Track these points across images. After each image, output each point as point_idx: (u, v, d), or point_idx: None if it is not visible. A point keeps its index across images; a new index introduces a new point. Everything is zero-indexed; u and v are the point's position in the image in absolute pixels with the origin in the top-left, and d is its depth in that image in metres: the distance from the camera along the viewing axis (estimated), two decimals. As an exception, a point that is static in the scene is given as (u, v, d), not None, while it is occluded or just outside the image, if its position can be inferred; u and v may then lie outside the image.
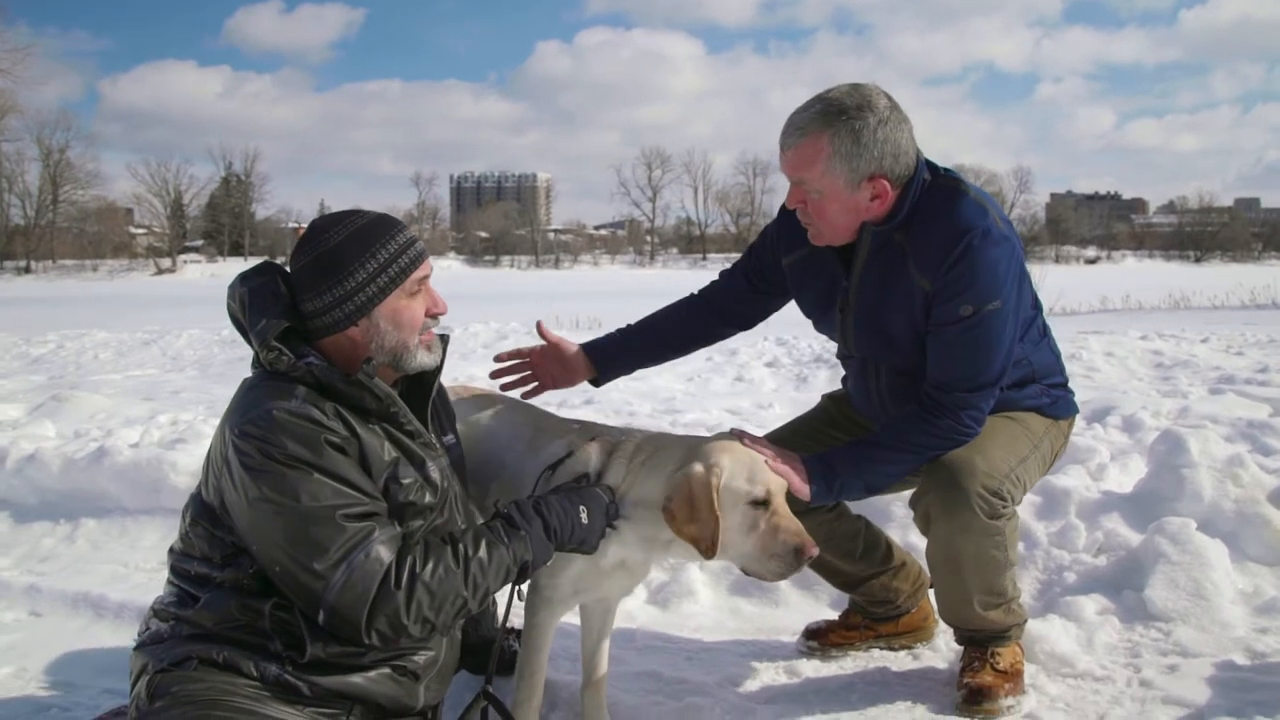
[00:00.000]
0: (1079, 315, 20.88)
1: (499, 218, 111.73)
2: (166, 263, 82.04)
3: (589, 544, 2.63)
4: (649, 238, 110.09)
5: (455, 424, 2.86)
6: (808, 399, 7.40)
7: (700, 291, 3.56)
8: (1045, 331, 3.28)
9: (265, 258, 2.72)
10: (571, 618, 3.17)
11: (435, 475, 2.54)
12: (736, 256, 3.57)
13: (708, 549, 2.56)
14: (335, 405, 2.38)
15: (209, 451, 2.48)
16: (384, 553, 2.29)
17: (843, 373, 3.53)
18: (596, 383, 3.48)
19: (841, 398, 3.56)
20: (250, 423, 2.31)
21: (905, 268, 2.94)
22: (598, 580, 2.81)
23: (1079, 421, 5.68)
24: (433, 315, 2.58)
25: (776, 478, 2.71)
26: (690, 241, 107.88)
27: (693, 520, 2.57)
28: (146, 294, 44.21)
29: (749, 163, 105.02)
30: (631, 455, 2.78)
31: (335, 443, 2.32)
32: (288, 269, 2.56)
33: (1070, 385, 3.37)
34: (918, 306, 2.94)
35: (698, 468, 2.61)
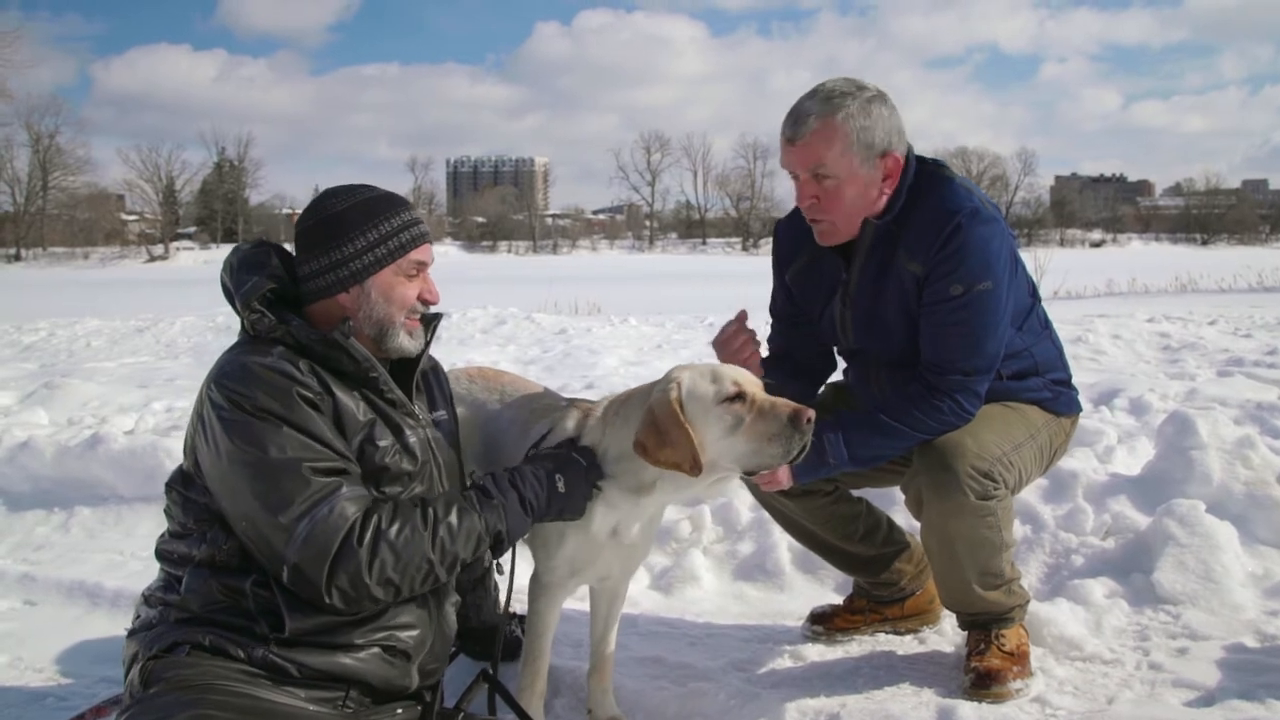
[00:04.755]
0: (1085, 299, 20.85)
1: (496, 202, 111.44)
2: (159, 250, 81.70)
3: (570, 511, 2.62)
4: (648, 222, 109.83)
5: (452, 402, 2.87)
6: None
7: (773, 353, 3.49)
8: (1047, 324, 3.31)
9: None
10: (577, 603, 3.17)
11: (414, 444, 2.55)
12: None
13: (692, 467, 2.49)
14: (312, 364, 2.41)
15: (190, 419, 2.51)
16: (349, 509, 2.29)
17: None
18: None
19: (845, 387, 3.57)
20: (224, 375, 2.36)
21: (896, 255, 3.00)
22: (593, 555, 2.78)
23: (1085, 404, 5.69)
24: (424, 301, 2.61)
25: (745, 371, 2.66)
26: (690, 226, 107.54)
27: (664, 444, 2.51)
28: (139, 281, 44.16)
29: (749, 146, 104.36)
30: (604, 413, 2.78)
31: (308, 397, 2.35)
32: (285, 247, 2.61)
33: (1074, 384, 3.38)
34: (910, 293, 3.01)
35: (656, 393, 2.60)
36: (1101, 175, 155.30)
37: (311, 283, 2.52)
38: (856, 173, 2.95)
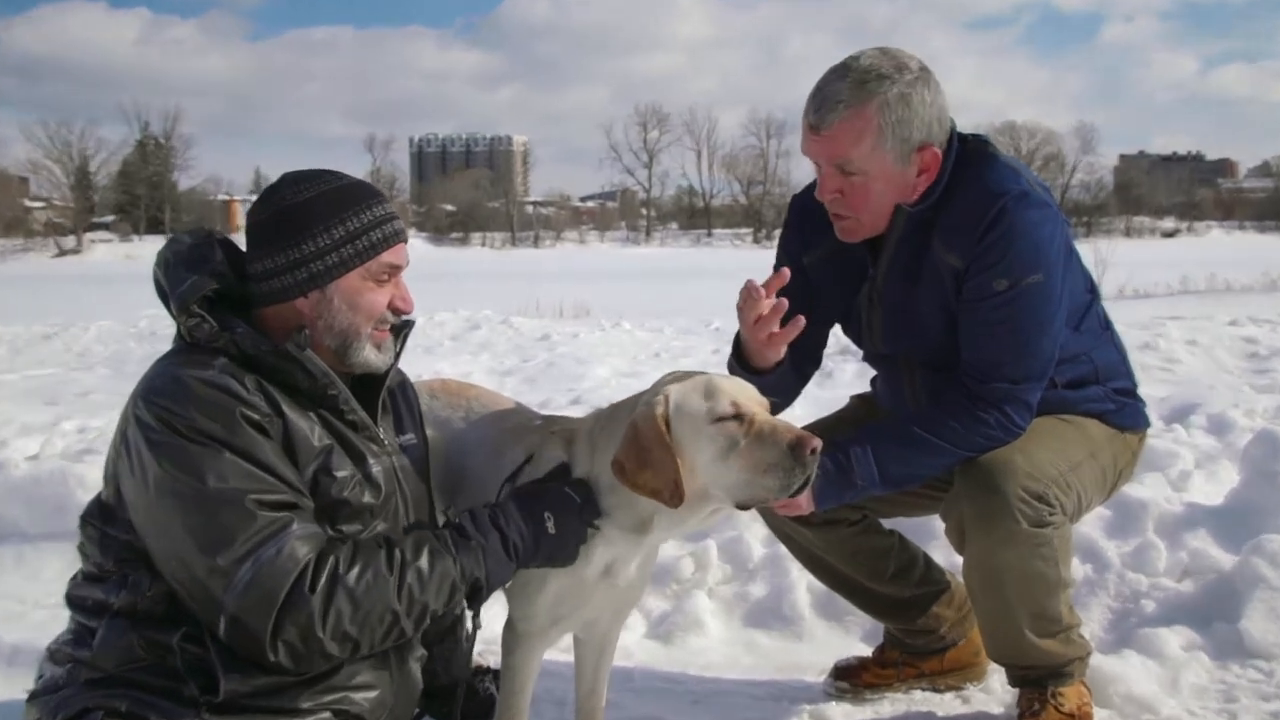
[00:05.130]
0: (1155, 298, 20.92)
1: (468, 188, 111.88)
2: (70, 242, 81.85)
3: (561, 556, 2.61)
4: (644, 210, 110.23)
5: (422, 425, 2.86)
6: (833, 398, 7.33)
7: None
8: (1108, 325, 3.32)
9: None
10: (560, 654, 3.15)
11: (377, 474, 2.54)
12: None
13: (671, 495, 2.48)
14: (259, 379, 2.39)
15: (111, 441, 2.48)
16: (301, 549, 2.27)
17: (873, 373, 3.57)
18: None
19: (872, 398, 3.57)
20: (156, 390, 2.34)
21: (931, 245, 3.01)
22: (581, 598, 2.77)
23: (1156, 421, 5.68)
24: (396, 310, 2.60)
25: (747, 388, 2.64)
26: (693, 215, 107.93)
27: (645, 465, 2.50)
28: (46, 278, 44.18)
29: (761, 122, 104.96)
30: (589, 434, 2.76)
31: (254, 419, 2.33)
32: (227, 237, 2.61)
33: (1141, 394, 3.38)
34: (949, 289, 3.02)
35: (640, 406, 2.59)
36: (1174, 154, 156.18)
37: (264, 284, 2.50)
38: (888, 170, 2.96)
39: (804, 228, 3.31)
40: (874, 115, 2.88)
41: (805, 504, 2.93)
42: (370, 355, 2.56)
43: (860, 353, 3.48)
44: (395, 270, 2.57)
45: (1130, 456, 3.33)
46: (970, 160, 3.03)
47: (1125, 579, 4.13)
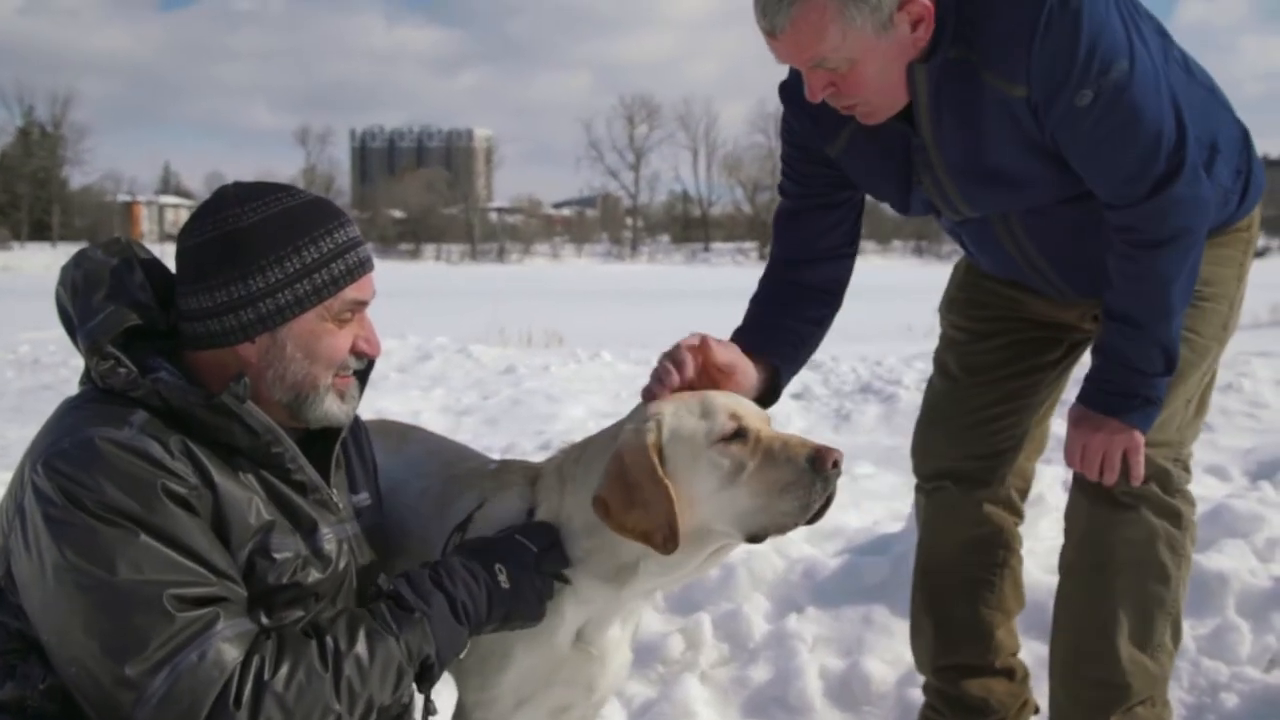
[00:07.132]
0: (1239, 331, 20.93)
1: (420, 190, 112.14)
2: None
3: (519, 614, 2.59)
4: (630, 220, 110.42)
5: (376, 474, 2.86)
6: (850, 442, 7.25)
7: (775, 259, 3.53)
8: (1186, 65, 3.27)
9: (85, 244, 2.70)
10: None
11: (329, 547, 2.53)
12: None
13: (665, 539, 2.48)
14: (186, 440, 2.36)
15: (1, 505, 2.44)
16: (228, 654, 2.23)
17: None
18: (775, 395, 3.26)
19: (962, 298, 3.67)
20: (59, 455, 2.28)
21: (980, 82, 2.96)
22: (552, 674, 2.75)
23: (1240, 479, 5.71)
24: (360, 355, 2.59)
25: (744, 400, 2.66)
26: (688, 225, 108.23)
27: (633, 504, 2.50)
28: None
29: (770, 116, 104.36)
30: (561, 469, 2.77)
31: (178, 493, 2.29)
32: (150, 252, 2.57)
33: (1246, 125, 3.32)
34: (1025, 121, 2.96)
35: (626, 431, 2.61)
36: (1266, 157, 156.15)
37: (199, 324, 2.47)
38: (873, 45, 2.88)
39: (815, 118, 3.25)
40: None
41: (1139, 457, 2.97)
42: (332, 407, 2.55)
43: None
44: (360, 307, 2.55)
45: (1246, 247, 3.34)
46: None
47: (1201, 667, 4.12)
